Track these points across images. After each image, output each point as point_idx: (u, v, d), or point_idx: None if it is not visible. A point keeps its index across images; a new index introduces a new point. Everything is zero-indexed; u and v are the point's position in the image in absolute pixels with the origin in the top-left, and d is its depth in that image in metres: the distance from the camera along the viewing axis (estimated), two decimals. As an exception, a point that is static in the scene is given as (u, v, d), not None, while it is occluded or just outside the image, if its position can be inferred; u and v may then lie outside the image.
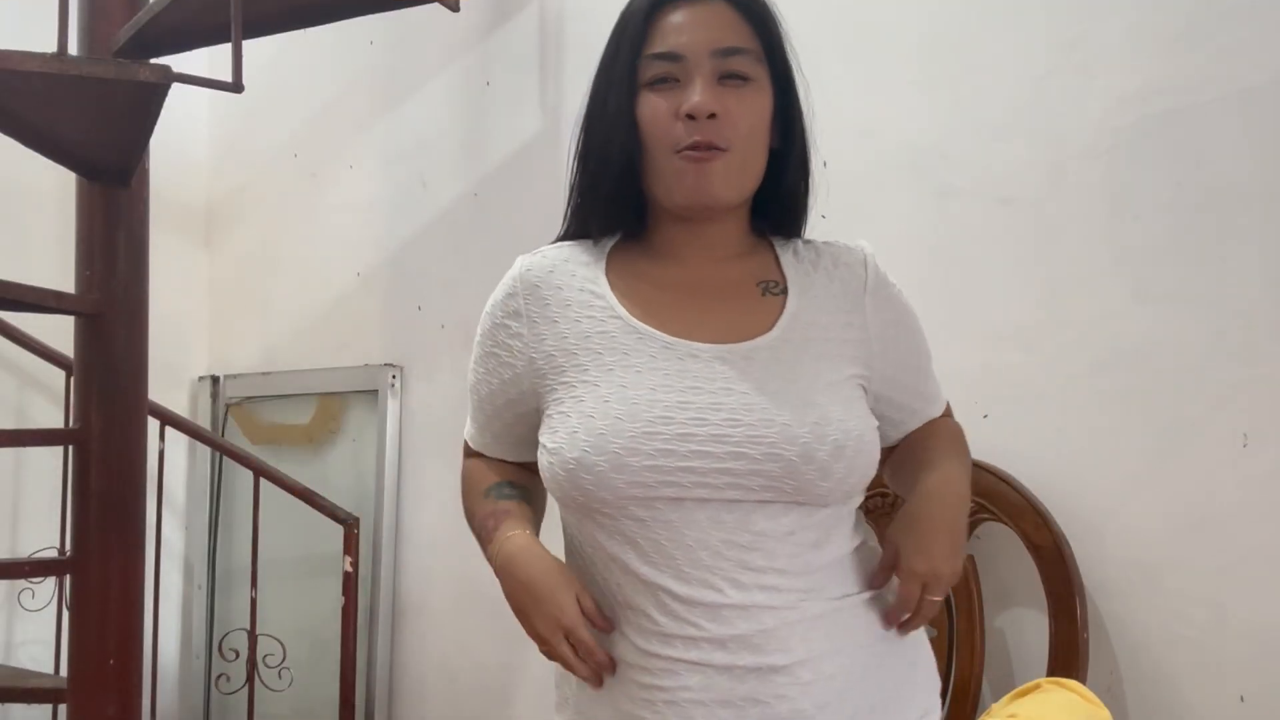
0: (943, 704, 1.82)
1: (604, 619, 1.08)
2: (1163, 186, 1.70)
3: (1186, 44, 1.69)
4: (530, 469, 1.24)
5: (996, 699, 1.57)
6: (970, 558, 1.81)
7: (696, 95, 1.07)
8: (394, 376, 2.87)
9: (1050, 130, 1.82)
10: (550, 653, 1.09)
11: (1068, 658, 1.68)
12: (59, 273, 2.17)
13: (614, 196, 1.14)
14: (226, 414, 3.31)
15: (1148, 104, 1.72)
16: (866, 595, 1.12)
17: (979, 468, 1.79)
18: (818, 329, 1.12)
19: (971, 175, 1.90)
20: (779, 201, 1.17)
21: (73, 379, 2.27)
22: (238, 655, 2.91)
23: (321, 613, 2.89)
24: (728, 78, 1.09)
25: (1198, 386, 1.66)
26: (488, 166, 2.68)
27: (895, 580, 1.13)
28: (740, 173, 1.11)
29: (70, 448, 2.16)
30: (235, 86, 1.79)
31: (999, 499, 1.77)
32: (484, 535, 1.18)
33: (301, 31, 2.30)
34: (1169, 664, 1.67)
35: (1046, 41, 1.83)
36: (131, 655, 2.06)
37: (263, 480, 2.81)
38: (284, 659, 2.85)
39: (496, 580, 1.14)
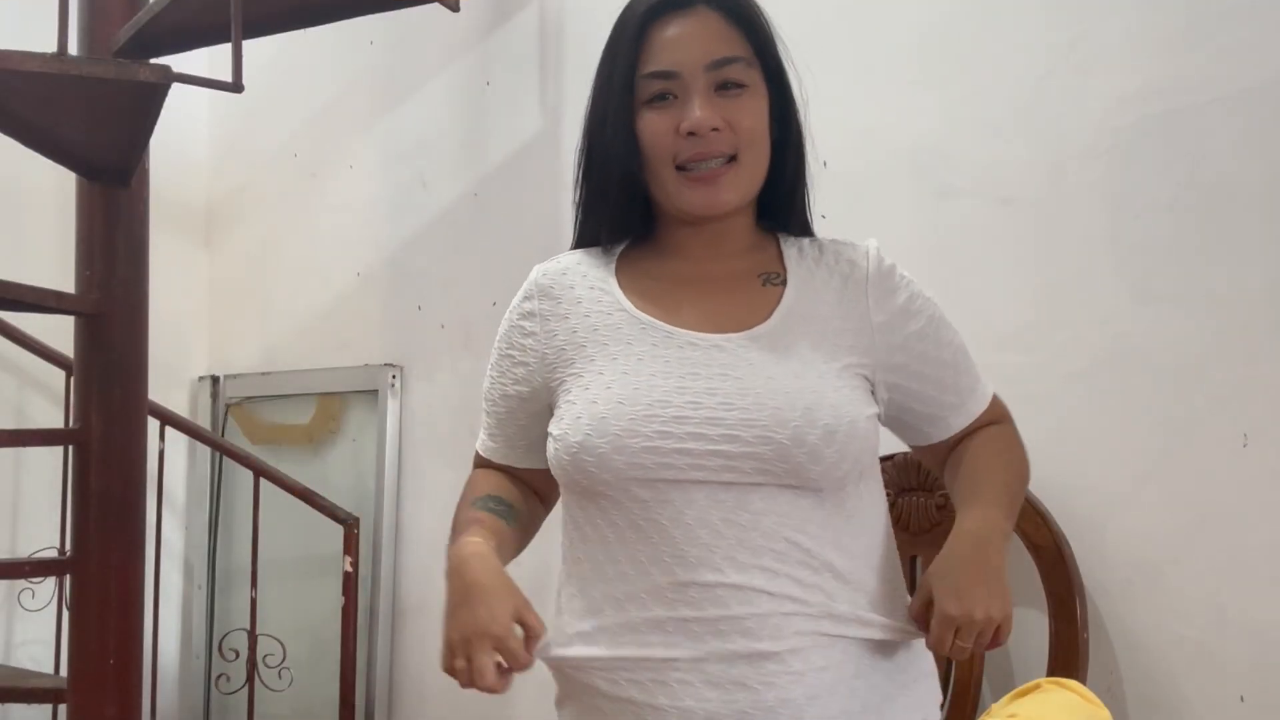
0: (943, 704, 1.82)
1: (540, 628, 1.06)
2: (1163, 186, 1.70)
3: (1186, 44, 1.69)
4: (532, 484, 1.26)
5: (996, 699, 1.57)
6: (970, 558, 1.81)
7: (696, 112, 1.10)
8: (394, 376, 2.87)
9: (1050, 130, 1.82)
10: (450, 662, 1.05)
11: (1068, 658, 1.68)
12: (59, 273, 2.17)
13: (619, 210, 1.17)
14: (226, 414, 3.31)
15: (1148, 104, 1.72)
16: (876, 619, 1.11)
17: (979, 468, 1.79)
18: (816, 319, 1.14)
19: (971, 175, 1.90)
20: (778, 195, 1.19)
21: (73, 379, 2.27)
22: (238, 655, 2.91)
23: (321, 613, 2.89)
24: (723, 87, 1.12)
25: (1198, 386, 1.66)
26: (488, 166, 2.68)
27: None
28: (748, 178, 1.15)
29: (70, 448, 2.16)
30: (235, 86, 1.79)
31: (999, 499, 1.77)
32: (451, 539, 1.18)
33: (301, 31, 2.31)
34: (1169, 664, 1.67)
35: (1046, 41, 1.83)
36: (131, 655, 2.07)
37: (263, 480, 2.81)
38: (284, 659, 2.85)
39: None
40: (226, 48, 1.83)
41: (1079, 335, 1.78)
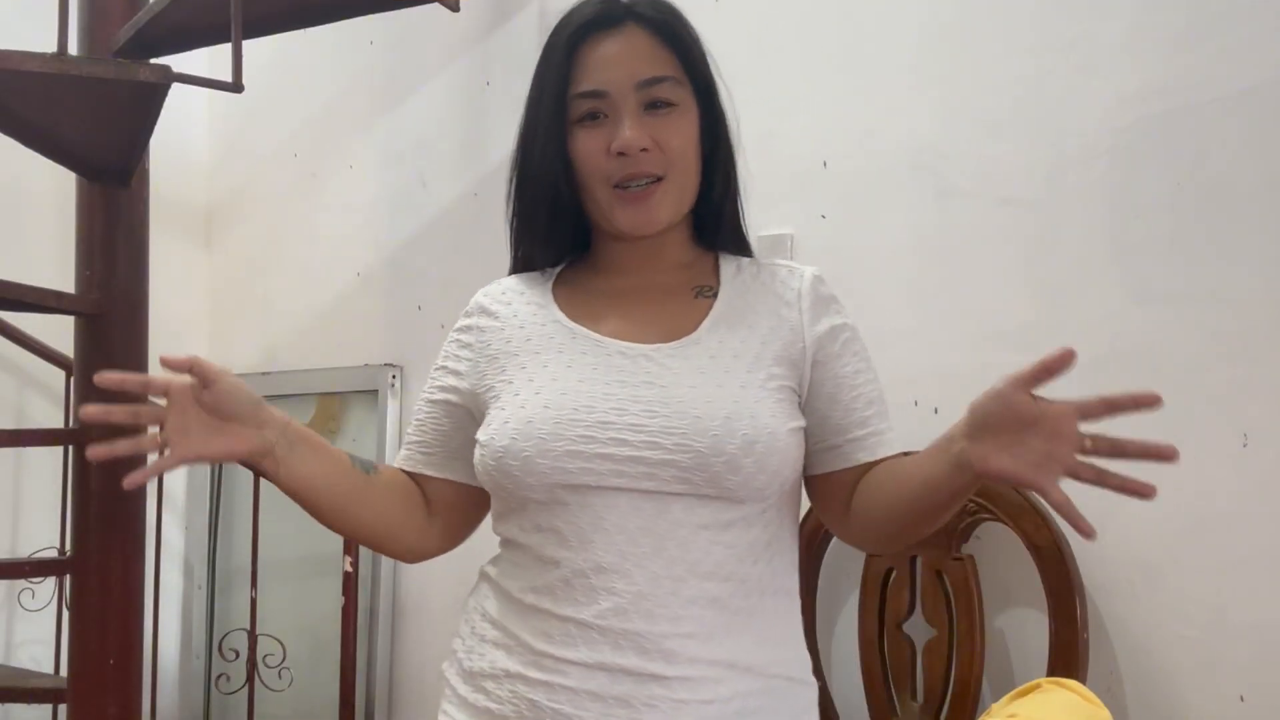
0: (943, 704, 1.82)
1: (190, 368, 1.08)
2: (1163, 186, 1.70)
3: (1186, 44, 1.69)
4: (428, 494, 1.25)
5: (996, 699, 1.57)
6: (970, 557, 1.81)
7: (626, 132, 1.12)
8: (394, 376, 2.87)
9: (1050, 130, 1.82)
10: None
11: (1068, 658, 1.68)
12: (59, 273, 2.17)
13: (552, 229, 1.20)
14: (226, 414, 3.30)
15: (1148, 104, 1.72)
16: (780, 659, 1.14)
17: (979, 468, 1.79)
18: (744, 330, 1.15)
19: (971, 175, 1.90)
20: (710, 210, 1.21)
21: (73, 379, 2.27)
22: (238, 655, 2.91)
23: (321, 613, 2.88)
24: (653, 106, 1.14)
25: (1198, 386, 1.65)
26: (488, 166, 2.68)
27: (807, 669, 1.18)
28: (678, 196, 1.17)
29: (70, 448, 2.16)
30: (235, 86, 1.79)
31: (999, 499, 1.77)
32: None
33: (301, 31, 2.31)
34: (1169, 664, 1.67)
35: (1047, 41, 1.83)
36: (131, 655, 2.07)
37: (263, 480, 2.81)
38: (284, 659, 2.85)
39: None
40: (226, 48, 1.83)
41: (1079, 335, 1.77)
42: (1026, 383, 1.00)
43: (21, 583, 2.89)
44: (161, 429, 1.07)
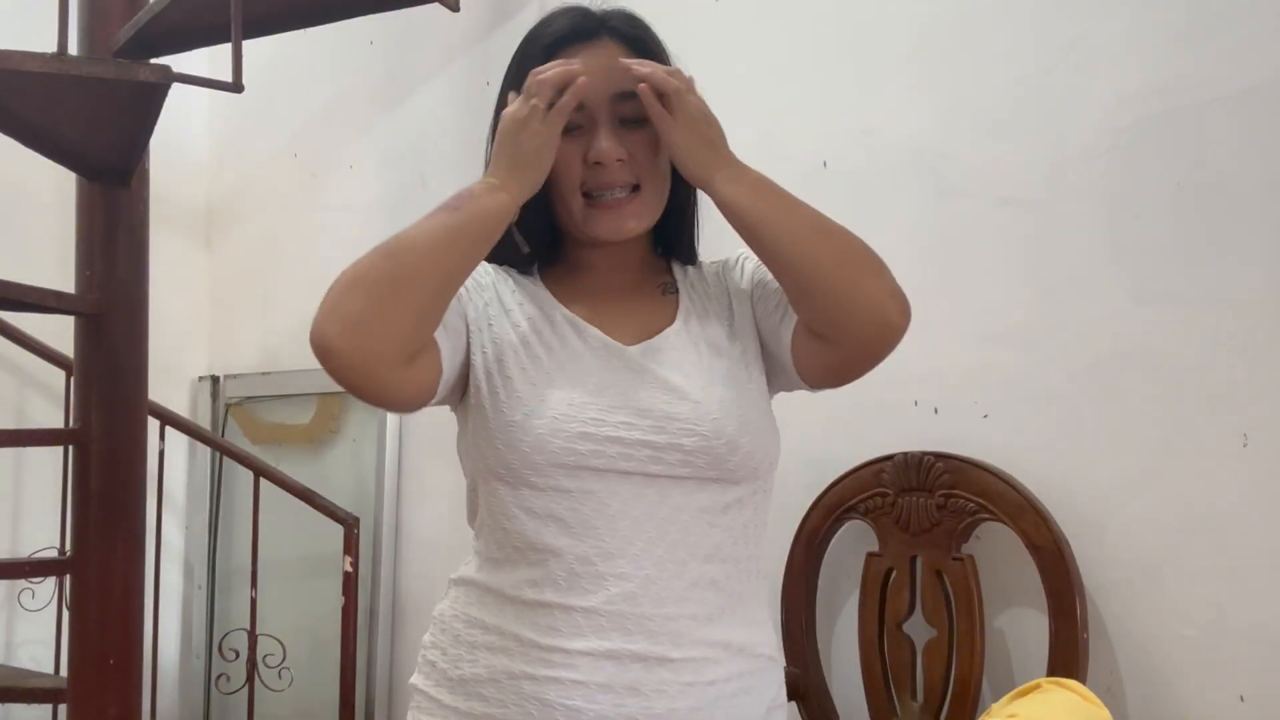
0: (943, 704, 1.82)
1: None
2: (1163, 186, 1.70)
3: (1186, 44, 1.69)
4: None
5: (996, 699, 1.57)
6: (970, 557, 1.81)
7: (602, 143, 1.15)
8: (394, 376, 2.87)
9: (1050, 130, 1.82)
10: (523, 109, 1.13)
11: (1068, 658, 1.68)
12: (59, 273, 2.17)
13: (531, 233, 1.23)
14: (226, 414, 3.31)
15: (1148, 104, 1.72)
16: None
17: (979, 467, 1.80)
18: (710, 319, 1.23)
19: (971, 175, 1.90)
20: (669, 220, 1.25)
21: (73, 379, 2.27)
22: (238, 655, 2.91)
23: (321, 613, 2.89)
24: (627, 120, 1.17)
25: (1198, 386, 1.66)
26: (488, 166, 2.68)
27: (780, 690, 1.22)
28: (651, 206, 1.20)
29: (70, 448, 2.16)
30: (235, 86, 1.79)
31: (999, 499, 1.77)
32: (453, 202, 1.20)
33: (301, 31, 2.30)
34: (1169, 664, 1.67)
35: (1046, 41, 1.83)
36: (131, 655, 2.07)
37: (263, 480, 2.81)
38: (284, 659, 2.85)
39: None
40: (226, 48, 1.83)
41: (1079, 335, 1.78)
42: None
43: (21, 583, 2.89)
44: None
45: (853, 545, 1.97)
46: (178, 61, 1.87)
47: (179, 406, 3.23)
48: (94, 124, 1.89)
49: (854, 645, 1.92)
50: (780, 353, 1.20)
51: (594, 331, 1.19)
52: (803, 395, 1.34)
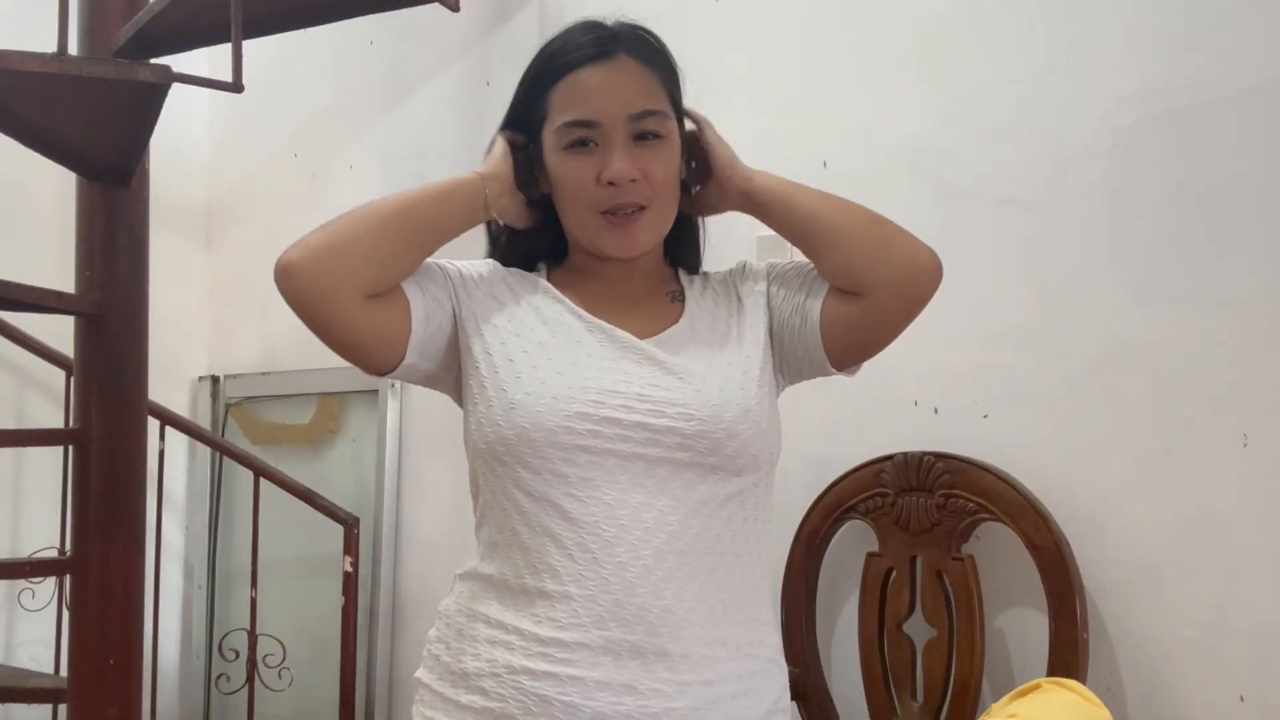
0: (943, 704, 1.82)
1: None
2: (1163, 186, 1.70)
3: (1186, 44, 1.69)
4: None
5: (996, 699, 1.57)
6: (970, 557, 1.81)
7: (616, 164, 1.18)
8: (394, 376, 2.87)
9: (1050, 130, 1.82)
10: None
11: (1068, 658, 1.68)
12: (59, 273, 2.17)
13: (539, 240, 1.29)
14: (226, 414, 3.31)
15: (1148, 104, 1.72)
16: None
17: (979, 467, 1.80)
18: (716, 320, 1.25)
19: (971, 175, 1.90)
20: (679, 231, 1.29)
21: (73, 379, 2.27)
22: (238, 655, 2.91)
23: (321, 613, 2.89)
24: (641, 137, 1.19)
25: (1198, 386, 1.66)
26: (488, 166, 2.68)
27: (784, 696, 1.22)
28: (660, 224, 1.24)
29: (70, 448, 2.16)
30: (235, 86, 1.79)
31: (999, 499, 1.77)
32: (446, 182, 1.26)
33: (301, 31, 2.30)
34: (1169, 664, 1.67)
35: (1046, 41, 1.83)
36: (131, 655, 2.07)
37: (263, 480, 2.81)
38: (284, 659, 2.85)
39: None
40: (226, 48, 1.83)
41: (1079, 335, 1.78)
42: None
43: (21, 583, 2.89)
44: None
45: (853, 545, 1.97)
46: (178, 61, 1.87)
47: (179, 406, 3.23)
48: (94, 124, 1.89)
49: (854, 645, 1.92)
50: (807, 331, 1.22)
51: (599, 322, 1.21)
52: (804, 394, 1.34)
